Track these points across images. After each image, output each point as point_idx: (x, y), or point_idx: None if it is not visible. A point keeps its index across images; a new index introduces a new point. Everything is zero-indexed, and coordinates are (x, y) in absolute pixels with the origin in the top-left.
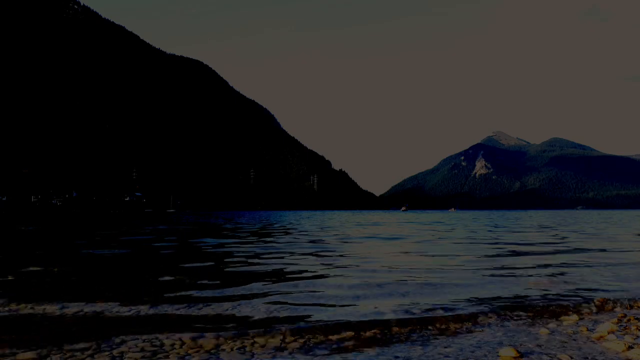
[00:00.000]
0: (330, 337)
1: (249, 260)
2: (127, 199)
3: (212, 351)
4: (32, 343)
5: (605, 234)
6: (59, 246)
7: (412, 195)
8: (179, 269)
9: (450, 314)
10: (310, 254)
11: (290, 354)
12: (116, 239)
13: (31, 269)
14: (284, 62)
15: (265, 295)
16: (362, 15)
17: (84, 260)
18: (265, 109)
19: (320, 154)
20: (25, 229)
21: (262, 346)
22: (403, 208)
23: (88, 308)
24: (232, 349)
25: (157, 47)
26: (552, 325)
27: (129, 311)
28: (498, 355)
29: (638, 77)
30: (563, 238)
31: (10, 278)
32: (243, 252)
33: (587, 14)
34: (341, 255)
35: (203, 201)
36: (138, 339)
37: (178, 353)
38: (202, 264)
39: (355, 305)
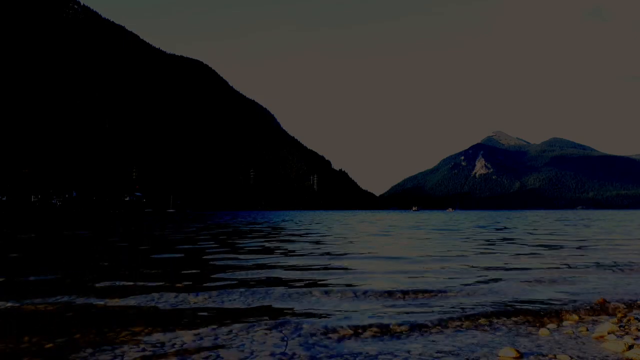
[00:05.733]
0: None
1: None
2: (127, 199)
3: None
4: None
5: None
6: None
7: (412, 195)
8: None
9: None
10: None
11: None
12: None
13: None
14: (284, 62)
15: None
16: (362, 15)
17: None
18: (266, 109)
19: (320, 154)
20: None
21: None
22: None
23: None
24: None
25: (157, 47)
26: (552, 325)
27: None
28: (498, 356)
29: (638, 77)
30: None
31: None
32: None
33: (588, 14)
34: None
35: (203, 201)
36: None
37: None
38: None
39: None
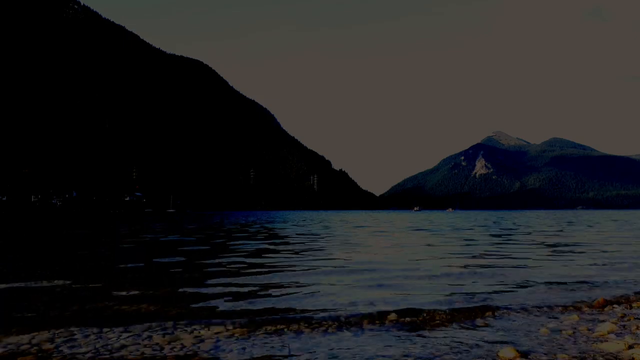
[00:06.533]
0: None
1: None
2: (127, 199)
3: None
4: None
5: None
6: None
7: (412, 195)
8: None
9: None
10: None
11: None
12: None
13: None
14: (284, 62)
15: None
16: (362, 15)
17: None
18: (266, 109)
19: (320, 154)
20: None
21: None
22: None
23: None
24: None
25: (157, 47)
26: (552, 324)
27: None
28: (498, 355)
29: (638, 77)
30: None
31: None
32: None
33: (588, 14)
34: None
35: (203, 201)
36: None
37: None
38: None
39: None
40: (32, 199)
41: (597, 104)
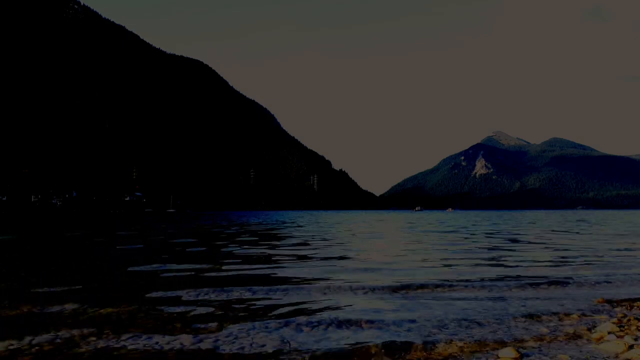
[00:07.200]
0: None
1: None
2: (127, 198)
3: None
4: None
5: None
6: None
7: (412, 195)
8: None
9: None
10: None
11: None
12: None
13: None
14: (284, 62)
15: None
16: (362, 15)
17: None
18: (266, 109)
19: (320, 154)
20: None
21: None
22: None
23: None
24: None
25: (157, 47)
26: (552, 324)
27: None
28: (498, 356)
29: (638, 77)
30: None
31: None
32: None
33: (588, 14)
34: None
35: (203, 201)
36: None
37: None
38: None
39: None
40: (32, 199)
41: (597, 104)
